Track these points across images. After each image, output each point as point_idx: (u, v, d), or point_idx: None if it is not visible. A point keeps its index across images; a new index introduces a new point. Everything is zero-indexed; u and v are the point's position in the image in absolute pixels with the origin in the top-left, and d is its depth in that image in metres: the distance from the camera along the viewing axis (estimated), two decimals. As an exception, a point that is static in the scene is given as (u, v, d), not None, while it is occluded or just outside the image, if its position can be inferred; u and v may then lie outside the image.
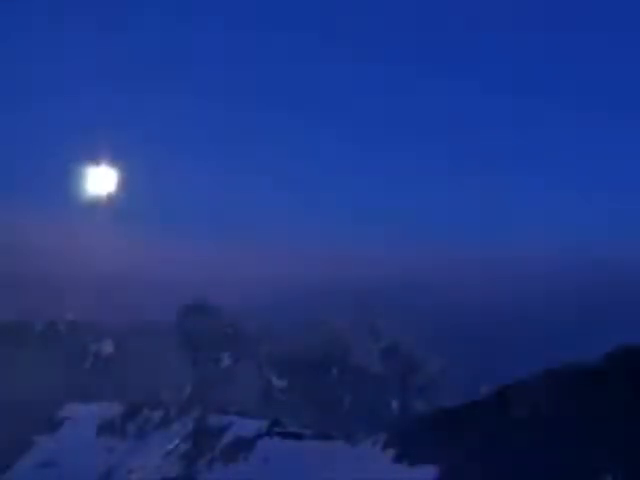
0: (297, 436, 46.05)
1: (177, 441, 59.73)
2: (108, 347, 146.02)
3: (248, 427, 51.09)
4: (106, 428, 79.16)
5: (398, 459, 32.35)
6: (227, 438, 50.92)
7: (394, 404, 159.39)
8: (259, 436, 47.58)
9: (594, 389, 22.96)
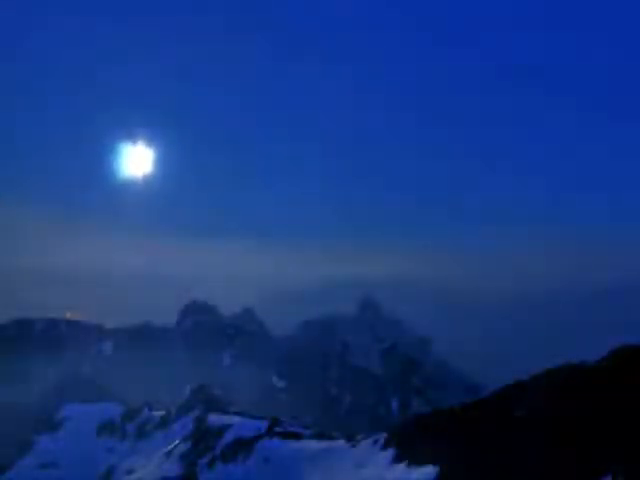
0: (297, 436, 46.03)
1: (177, 441, 59.70)
2: (108, 347, 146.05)
3: (248, 427, 51.07)
4: (106, 428, 79.14)
5: (398, 459, 32.30)
6: (227, 438, 50.86)
7: (394, 404, 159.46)
8: (259, 436, 47.54)
9: (594, 389, 22.94)
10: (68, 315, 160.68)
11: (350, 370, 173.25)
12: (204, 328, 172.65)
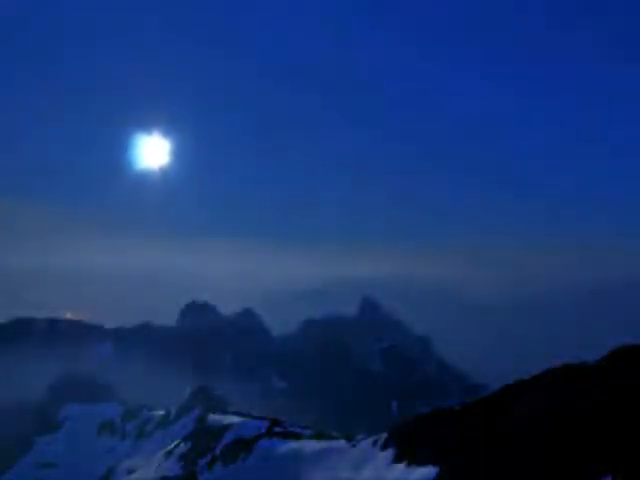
0: (297, 436, 46.01)
1: (177, 441, 59.71)
2: (108, 347, 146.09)
3: (248, 427, 51.07)
4: (106, 428, 79.25)
5: (398, 459, 32.29)
6: (227, 438, 50.87)
7: (394, 404, 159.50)
8: (259, 436, 47.53)
9: (594, 389, 22.94)
10: (68, 315, 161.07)
11: (350, 370, 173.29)
12: (204, 328, 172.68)
